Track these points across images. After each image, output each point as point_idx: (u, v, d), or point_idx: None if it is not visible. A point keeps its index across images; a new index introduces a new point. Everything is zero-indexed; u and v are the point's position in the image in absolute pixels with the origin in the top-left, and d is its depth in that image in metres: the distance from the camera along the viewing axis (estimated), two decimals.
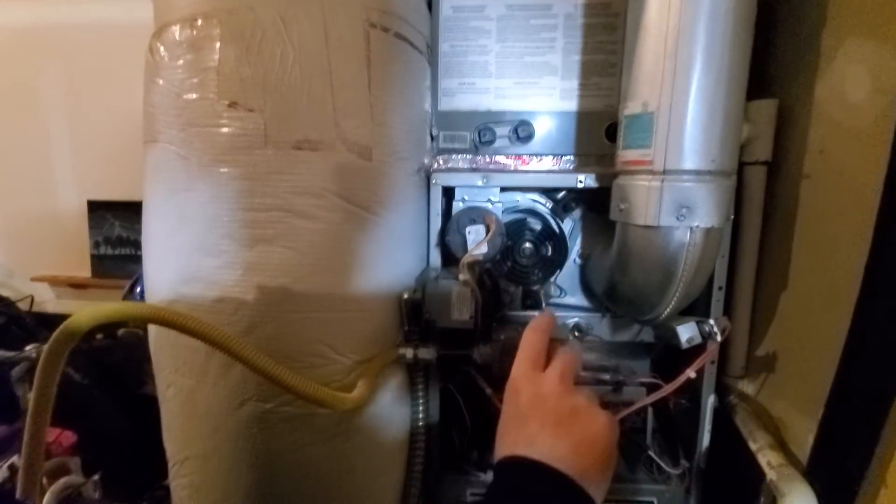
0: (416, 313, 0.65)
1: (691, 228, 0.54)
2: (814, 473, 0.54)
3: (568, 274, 0.77)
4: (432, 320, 0.65)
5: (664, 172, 0.54)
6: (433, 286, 0.63)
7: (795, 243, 0.66)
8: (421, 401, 0.72)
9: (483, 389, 0.68)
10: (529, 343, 0.47)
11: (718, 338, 0.58)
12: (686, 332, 0.60)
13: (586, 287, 0.77)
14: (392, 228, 0.65)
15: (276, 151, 0.60)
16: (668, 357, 0.81)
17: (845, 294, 0.55)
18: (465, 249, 0.61)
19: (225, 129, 0.61)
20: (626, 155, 0.57)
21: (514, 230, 0.68)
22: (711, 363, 0.70)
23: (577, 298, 0.78)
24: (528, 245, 0.68)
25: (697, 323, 0.60)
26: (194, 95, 0.61)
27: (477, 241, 0.60)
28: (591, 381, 0.75)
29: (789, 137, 0.67)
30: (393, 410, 0.72)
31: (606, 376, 0.74)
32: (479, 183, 0.67)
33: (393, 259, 0.66)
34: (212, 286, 0.62)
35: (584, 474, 0.38)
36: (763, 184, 0.70)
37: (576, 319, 0.81)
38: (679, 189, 0.53)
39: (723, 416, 0.72)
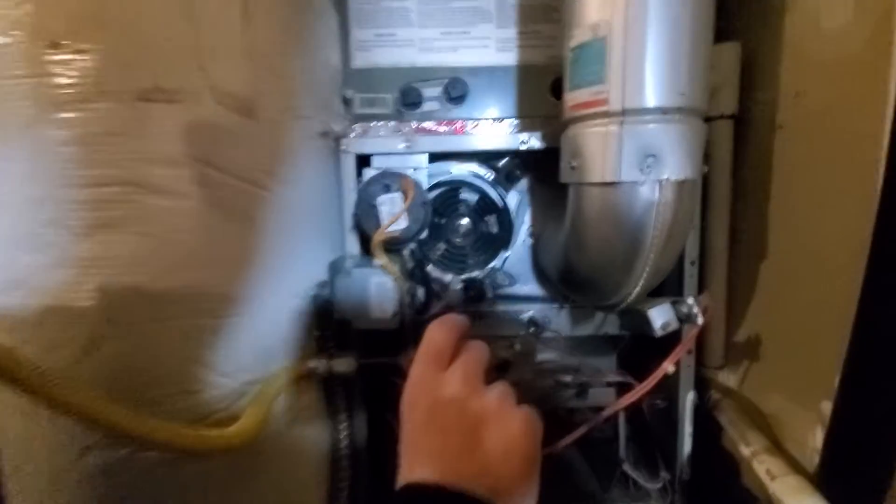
0: (327, 314, 0.51)
1: (660, 182, 0.43)
2: (827, 483, 0.43)
3: (518, 258, 0.65)
4: (347, 321, 0.51)
5: (623, 113, 0.42)
6: (344, 278, 0.49)
7: (773, 206, 0.57)
8: (343, 424, 0.57)
9: None
10: (430, 341, 0.39)
11: (699, 320, 0.47)
12: (660, 317, 0.49)
13: (540, 273, 0.65)
14: (288, 206, 0.50)
15: (116, 105, 0.45)
16: (637, 351, 0.71)
17: (843, 257, 0.46)
18: (379, 225, 0.47)
19: (46, 80, 0.45)
20: (575, 97, 0.46)
21: (445, 204, 0.55)
22: (689, 353, 0.59)
23: (531, 287, 0.66)
24: (463, 221, 0.55)
25: (672, 304, 0.49)
26: (2, 39, 0.45)
27: (393, 214, 0.46)
28: (552, 384, 0.63)
29: (757, 85, 0.58)
30: (306, 439, 0.56)
31: (568, 378, 0.62)
32: (401, 147, 0.54)
33: (291, 246, 0.51)
34: (35, 292, 0.45)
35: (500, 491, 0.32)
36: (730, 141, 0.60)
37: (530, 313, 0.68)
38: (642, 133, 0.42)
39: (705, 415, 0.61)
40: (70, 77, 0.44)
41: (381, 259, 0.46)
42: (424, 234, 0.52)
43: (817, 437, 0.50)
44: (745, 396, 0.60)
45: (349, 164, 0.54)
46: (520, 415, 0.36)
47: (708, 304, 0.47)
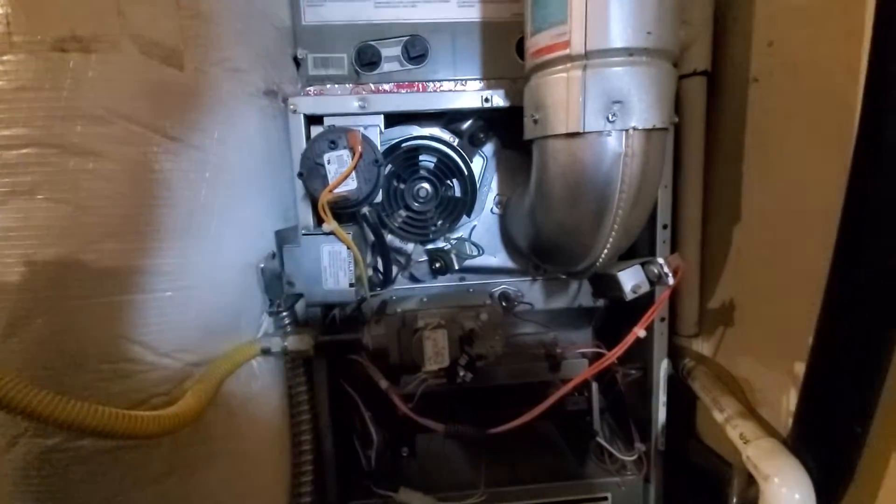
0: (279, 288, 0.47)
1: (626, 132, 0.40)
2: (800, 444, 0.41)
3: (485, 228, 0.62)
4: (299, 294, 0.47)
5: (586, 56, 0.39)
6: (294, 247, 0.46)
7: (747, 165, 0.55)
8: (304, 407, 0.54)
9: (376, 382, 0.51)
10: None
11: (671, 280, 0.44)
12: (630, 279, 0.46)
13: (509, 243, 0.62)
14: (225, 168, 0.46)
15: (27, 56, 0.40)
16: (612, 323, 0.69)
17: (817, 218, 0.43)
18: (326, 185, 0.43)
19: None
20: (535, 42, 0.42)
21: (403, 168, 0.51)
22: (661, 320, 0.57)
23: (500, 258, 0.63)
24: (423, 185, 0.52)
25: (643, 266, 0.46)
26: None
27: (341, 173, 0.42)
28: (525, 358, 0.61)
29: (730, 38, 0.56)
30: (262, 424, 0.53)
31: (542, 351, 0.60)
32: (356, 107, 0.50)
33: (234, 213, 0.47)
34: None
35: None
36: (703, 98, 0.58)
37: (502, 287, 0.66)
38: (607, 77, 0.39)
39: (679, 384, 0.59)
40: None
41: (330, 223, 0.43)
42: (379, 198, 0.48)
43: (790, 400, 0.49)
44: (718, 363, 0.58)
45: (298, 125, 0.50)
46: None
47: (679, 264, 0.45)
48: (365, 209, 0.46)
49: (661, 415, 0.58)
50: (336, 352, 0.53)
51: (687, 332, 0.62)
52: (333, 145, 0.43)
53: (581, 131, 0.40)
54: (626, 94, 0.39)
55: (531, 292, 0.67)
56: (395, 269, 0.58)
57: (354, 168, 0.42)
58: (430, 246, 0.59)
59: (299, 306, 0.54)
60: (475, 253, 0.60)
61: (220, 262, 0.47)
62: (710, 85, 0.58)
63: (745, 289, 0.56)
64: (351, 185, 0.43)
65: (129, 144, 0.41)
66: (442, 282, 0.64)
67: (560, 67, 0.41)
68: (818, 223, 0.43)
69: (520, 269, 0.63)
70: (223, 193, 0.46)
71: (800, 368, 0.47)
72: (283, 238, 0.46)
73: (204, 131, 0.44)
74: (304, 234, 0.46)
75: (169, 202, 0.43)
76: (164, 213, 0.43)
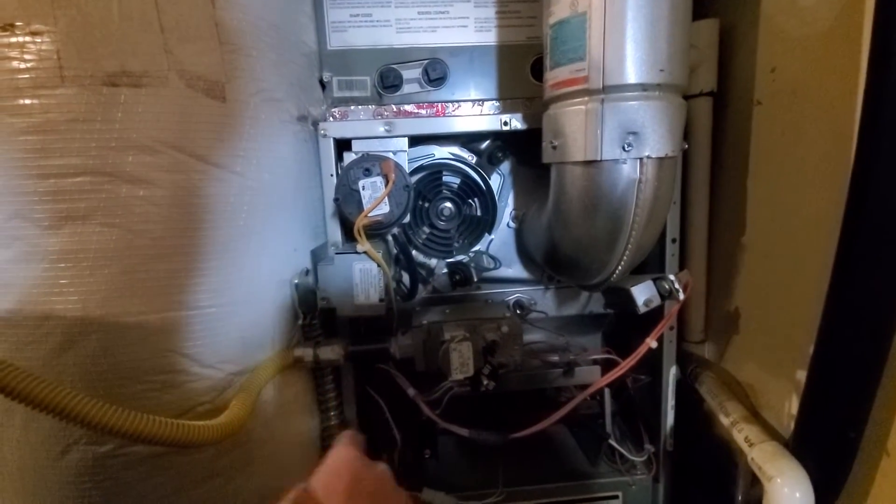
0: (311, 303, 0.50)
1: (641, 160, 0.43)
2: (802, 447, 0.45)
3: (502, 241, 0.65)
4: (332, 308, 0.50)
5: (603, 90, 0.42)
6: (327, 265, 0.49)
7: (751, 181, 0.58)
8: (332, 413, 0.57)
9: (404, 390, 0.54)
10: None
11: (681, 295, 0.48)
12: (642, 294, 0.49)
13: (524, 255, 0.65)
14: (264, 191, 0.49)
15: (79, 90, 0.43)
16: (621, 329, 0.72)
17: (817, 232, 0.47)
18: (361, 209, 0.46)
19: (1, 64, 0.42)
20: (555, 75, 0.45)
21: (428, 188, 0.54)
22: (670, 329, 0.60)
23: (515, 269, 0.66)
24: (447, 204, 0.55)
25: (654, 281, 0.50)
26: None
27: (375, 198, 0.45)
28: (539, 364, 0.64)
29: (735, 61, 0.59)
30: (294, 430, 0.56)
31: (556, 357, 0.63)
32: (381, 131, 0.53)
33: (270, 233, 0.50)
34: (3, 290, 0.44)
35: None
36: (709, 118, 0.61)
37: (516, 296, 0.69)
38: (623, 110, 0.42)
39: (687, 388, 0.63)
40: (27, 61, 0.42)
41: (363, 245, 0.46)
42: (407, 219, 0.51)
43: (792, 405, 0.52)
44: (724, 369, 0.61)
45: (328, 149, 0.53)
46: None
47: (688, 280, 0.48)
48: (395, 230, 0.49)
49: (669, 418, 0.61)
50: (364, 361, 0.56)
51: (694, 339, 0.65)
52: (368, 172, 0.46)
53: (598, 159, 0.43)
54: (641, 125, 0.42)
55: (544, 300, 0.70)
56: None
57: (388, 194, 0.45)
58: (450, 260, 0.62)
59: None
60: (493, 266, 0.63)
61: (257, 279, 0.50)
62: (716, 105, 0.61)
63: (749, 298, 0.59)
64: (384, 209, 0.46)
65: (176, 172, 0.44)
66: (460, 291, 0.67)
67: (579, 100, 0.44)
68: (818, 236, 0.46)
69: (534, 279, 0.66)
70: (261, 215, 0.49)
71: (801, 375, 0.50)
72: (317, 256, 0.49)
73: (244, 158, 0.47)
74: (337, 254, 0.49)
75: (212, 224, 0.46)
76: (207, 234, 0.46)
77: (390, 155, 0.48)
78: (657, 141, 0.43)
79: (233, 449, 0.50)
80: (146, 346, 0.45)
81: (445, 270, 0.62)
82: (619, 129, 0.42)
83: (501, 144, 0.59)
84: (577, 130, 0.44)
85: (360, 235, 0.45)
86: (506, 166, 0.63)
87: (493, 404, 0.65)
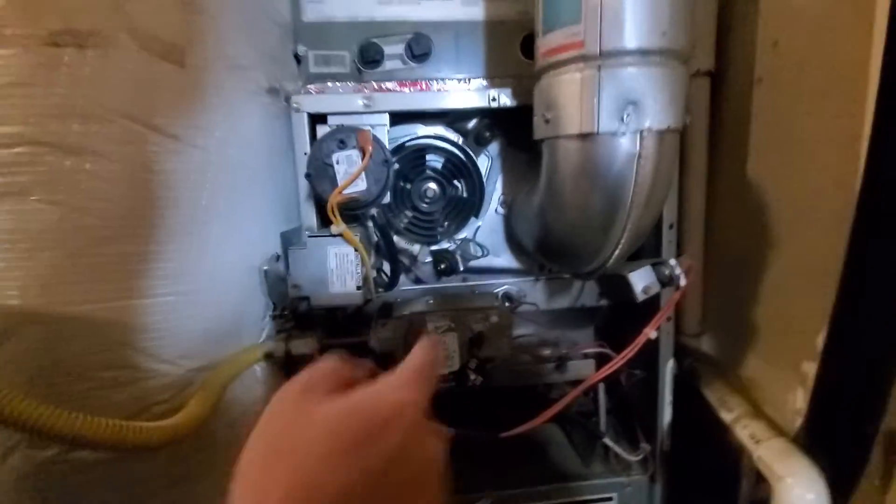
0: (282, 291, 0.46)
1: (641, 133, 0.39)
2: (813, 444, 0.42)
3: (490, 229, 0.61)
4: (304, 298, 0.46)
5: (600, 55, 0.38)
6: (299, 249, 0.44)
7: (752, 163, 0.55)
8: None
9: None
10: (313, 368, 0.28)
11: (682, 281, 0.44)
12: (641, 280, 0.46)
13: (513, 243, 0.62)
14: (231, 168, 0.44)
15: (20, 51, 0.38)
16: (614, 323, 0.69)
17: (825, 215, 0.44)
18: (336, 186, 0.42)
19: None
20: (548, 42, 0.42)
21: (410, 168, 0.50)
22: (668, 320, 0.57)
23: (505, 259, 0.62)
24: (430, 185, 0.51)
25: (653, 266, 0.46)
26: None
27: (350, 173, 0.41)
28: (530, 359, 0.60)
29: (734, 37, 0.56)
30: None
31: (547, 351, 0.59)
32: (360, 105, 0.49)
33: (237, 214, 0.45)
34: None
35: None
36: (707, 99, 0.58)
37: (505, 287, 0.65)
38: (621, 78, 0.39)
39: (684, 384, 0.60)
40: None
41: (339, 226, 0.42)
42: (387, 199, 0.47)
43: (797, 399, 0.49)
44: (723, 362, 0.58)
45: (301, 124, 0.49)
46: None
47: (690, 264, 0.45)
48: (373, 210, 0.45)
49: (666, 414, 0.58)
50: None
51: (691, 332, 0.62)
52: (342, 145, 0.42)
53: (595, 132, 0.39)
54: (641, 94, 0.39)
55: (534, 292, 0.66)
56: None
57: (365, 168, 0.41)
58: (434, 247, 0.58)
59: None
60: (480, 254, 0.59)
61: (222, 264, 0.45)
62: (713, 85, 0.58)
63: (749, 287, 0.56)
64: (360, 185, 0.42)
65: (127, 144, 0.40)
66: (445, 282, 0.63)
67: (573, 67, 0.40)
68: (825, 219, 0.43)
69: (524, 268, 0.63)
70: (225, 194, 0.44)
71: (808, 367, 0.47)
72: (289, 240, 0.45)
73: (206, 130, 0.42)
74: (309, 237, 0.45)
75: (170, 203, 0.42)
76: (164, 214, 0.42)
77: (368, 128, 0.44)
78: (658, 112, 0.39)
79: (195, 453, 0.45)
80: (94, 339, 0.40)
81: (429, 259, 0.58)
82: (617, 99, 0.39)
83: (489, 123, 0.55)
84: (572, 101, 0.40)
85: (334, 215, 0.40)
86: (494, 148, 0.59)
87: (481, 402, 0.61)
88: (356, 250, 0.44)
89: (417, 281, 0.60)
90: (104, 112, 0.39)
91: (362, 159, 0.41)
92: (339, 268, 0.45)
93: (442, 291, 0.62)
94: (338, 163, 0.42)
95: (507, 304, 0.64)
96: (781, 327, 0.51)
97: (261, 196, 0.48)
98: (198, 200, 0.43)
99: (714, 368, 0.58)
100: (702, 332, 0.63)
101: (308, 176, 0.42)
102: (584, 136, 0.40)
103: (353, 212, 0.44)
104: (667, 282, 0.45)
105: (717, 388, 0.54)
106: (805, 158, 0.48)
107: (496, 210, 0.61)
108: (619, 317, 0.68)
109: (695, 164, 0.58)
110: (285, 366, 0.52)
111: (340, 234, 0.42)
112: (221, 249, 0.46)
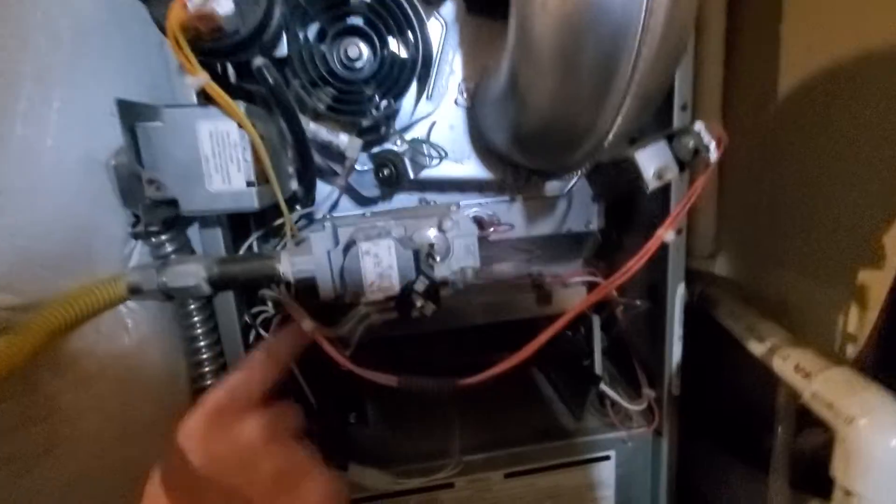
0: (139, 192, 0.32)
1: None
2: (884, 370, 0.30)
3: (448, 126, 0.47)
4: (170, 201, 0.31)
5: None
6: (153, 126, 0.30)
7: (786, 26, 0.42)
8: (206, 369, 0.39)
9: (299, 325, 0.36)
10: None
11: (713, 155, 0.31)
12: (652, 161, 0.33)
13: (480, 143, 0.48)
14: (59, 26, 0.29)
15: None
16: (607, 254, 0.56)
17: (883, 84, 0.31)
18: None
19: None
20: None
21: (327, 20, 0.35)
22: (678, 232, 0.44)
23: (469, 167, 0.48)
24: (355, 42, 0.36)
25: (669, 140, 0.33)
26: None
27: None
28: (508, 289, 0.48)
29: None
30: (139, 397, 0.38)
31: (526, 281, 0.47)
32: None
33: (72, 87, 0.30)
34: None
35: None
36: None
37: (474, 210, 0.52)
38: None
39: (695, 315, 0.48)
40: None
41: (197, 73, 0.27)
42: (285, 52, 0.33)
43: (849, 320, 0.38)
44: (745, 285, 0.47)
45: None
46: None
47: (720, 133, 0.32)
48: (259, 60, 0.31)
49: (676, 353, 0.46)
50: (245, 288, 0.38)
51: (702, 253, 0.50)
52: None
53: None
54: None
55: (509, 215, 0.53)
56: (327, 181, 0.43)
57: None
58: (375, 149, 0.44)
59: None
60: (436, 156, 0.45)
61: (48, 158, 0.30)
62: None
63: (777, 189, 0.44)
64: (225, 4, 0.27)
65: None
66: (395, 204, 0.49)
67: None
68: (877, 85, 0.30)
69: (495, 179, 0.49)
70: (48, 56, 0.29)
71: (867, 277, 0.35)
72: (136, 114, 0.30)
73: None
74: (167, 107, 0.30)
75: None
76: None
77: None
78: None
79: (20, 427, 0.31)
80: None
81: (369, 166, 0.44)
82: None
83: None
84: None
85: (179, 49, 0.25)
86: (450, 13, 0.44)
87: (445, 347, 0.49)
88: (240, 125, 0.30)
89: (352, 192, 0.46)
90: None
91: None
92: (218, 154, 0.31)
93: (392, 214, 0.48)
94: None
95: (479, 229, 0.51)
96: (827, 229, 0.39)
97: (107, 63, 0.33)
98: (13, 70, 0.28)
99: (735, 293, 0.46)
100: (715, 251, 0.51)
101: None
102: None
103: (218, 57, 0.30)
104: (689, 159, 0.32)
105: (742, 314, 0.43)
106: (856, 14, 0.34)
107: (455, 101, 0.47)
108: (612, 247, 0.55)
109: (711, 29, 0.44)
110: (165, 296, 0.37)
111: (205, 92, 0.28)
112: (43, 135, 0.31)
